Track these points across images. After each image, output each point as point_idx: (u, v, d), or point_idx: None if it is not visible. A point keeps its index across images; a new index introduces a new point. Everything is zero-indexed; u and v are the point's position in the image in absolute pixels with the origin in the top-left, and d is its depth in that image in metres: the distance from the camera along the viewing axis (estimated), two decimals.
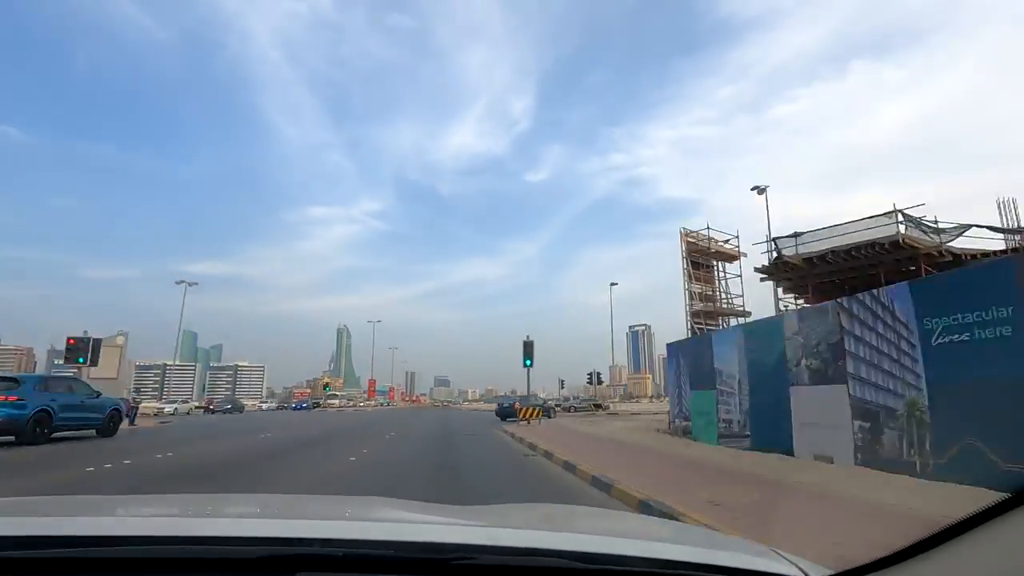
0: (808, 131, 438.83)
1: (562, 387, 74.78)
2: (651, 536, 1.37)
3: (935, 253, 13.82)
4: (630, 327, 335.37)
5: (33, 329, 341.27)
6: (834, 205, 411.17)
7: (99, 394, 14.52)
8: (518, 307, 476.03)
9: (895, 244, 13.47)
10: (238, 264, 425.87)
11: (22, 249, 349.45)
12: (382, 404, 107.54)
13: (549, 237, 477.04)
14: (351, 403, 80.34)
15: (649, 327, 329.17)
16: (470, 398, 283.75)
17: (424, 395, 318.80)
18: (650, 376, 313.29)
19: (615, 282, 46.91)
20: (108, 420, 14.49)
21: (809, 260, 15.43)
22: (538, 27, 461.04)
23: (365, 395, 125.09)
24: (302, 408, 57.84)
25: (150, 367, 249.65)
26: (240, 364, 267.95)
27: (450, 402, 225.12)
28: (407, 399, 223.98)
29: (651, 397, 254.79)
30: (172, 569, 0.88)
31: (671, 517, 4.60)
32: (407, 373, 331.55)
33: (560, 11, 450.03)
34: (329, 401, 67.94)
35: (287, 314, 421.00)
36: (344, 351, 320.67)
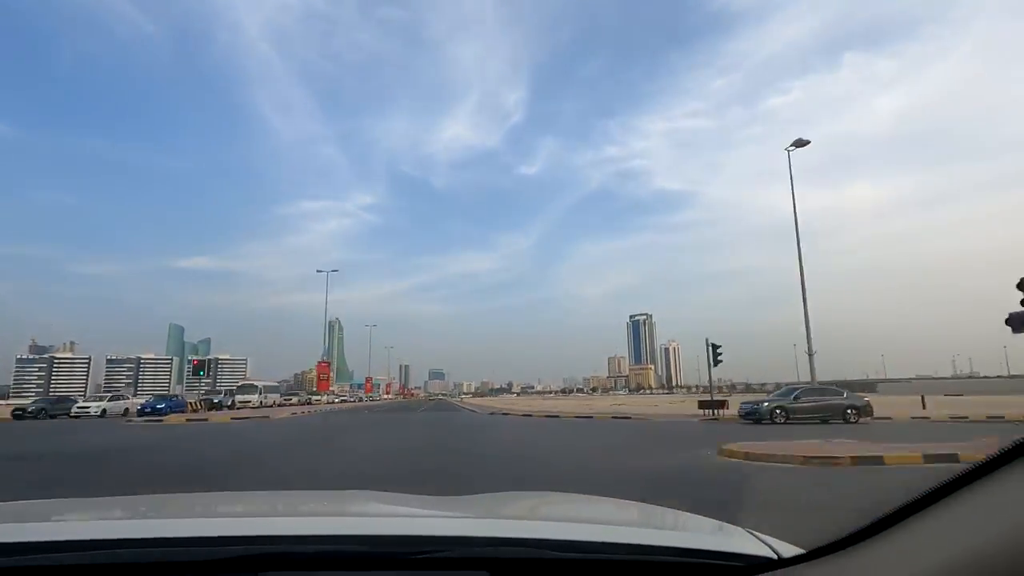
0: (800, 122, 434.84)
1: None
2: (625, 521, 1.36)
3: None
4: (631, 317, 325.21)
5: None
6: (826, 197, 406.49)
7: None
8: (512, 300, 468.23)
9: None
10: (228, 259, 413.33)
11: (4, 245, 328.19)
12: (361, 399, 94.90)
13: (543, 230, 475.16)
14: (305, 400, 61.47)
15: (650, 317, 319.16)
16: (465, 391, 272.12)
17: (419, 388, 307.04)
18: (652, 367, 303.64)
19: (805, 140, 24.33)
20: None
21: None
22: (532, 18, 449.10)
23: (359, 388, 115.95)
24: (157, 411, 29.23)
25: (122, 361, 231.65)
26: (220, 357, 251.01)
27: (446, 396, 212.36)
28: (404, 392, 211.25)
29: (658, 388, 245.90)
30: (128, 574, 0.84)
31: None
32: (401, 366, 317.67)
33: (553, 2, 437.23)
34: (242, 397, 42.43)
35: (279, 308, 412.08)
36: (336, 344, 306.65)
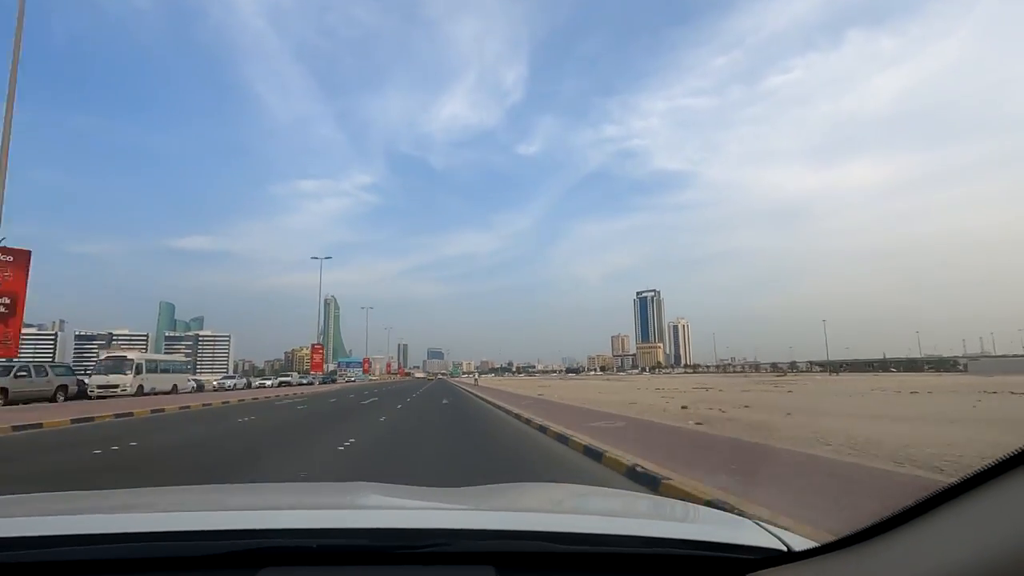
0: (801, 101, 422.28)
1: None
2: (632, 513, 1.34)
3: None
4: (638, 293, 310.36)
5: None
6: (826, 177, 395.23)
7: None
8: (512, 280, 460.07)
9: None
10: (225, 239, 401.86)
11: None
12: (350, 380, 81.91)
13: (542, 210, 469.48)
14: (277, 383, 49.22)
15: (659, 293, 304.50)
16: (465, 370, 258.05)
17: (417, 367, 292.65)
18: (661, 346, 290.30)
19: None
20: None
21: None
22: None
23: (348, 367, 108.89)
24: None
25: (92, 337, 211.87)
26: (201, 333, 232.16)
27: (445, 375, 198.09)
28: (401, 372, 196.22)
29: (679, 369, 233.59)
30: (119, 570, 0.81)
31: None
32: (399, 345, 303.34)
33: None
34: (102, 380, 25.04)
35: (276, 288, 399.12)
36: (332, 323, 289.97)
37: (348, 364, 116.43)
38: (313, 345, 49.74)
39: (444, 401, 20.34)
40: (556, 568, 0.84)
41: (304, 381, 59.59)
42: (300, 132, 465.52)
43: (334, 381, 62.21)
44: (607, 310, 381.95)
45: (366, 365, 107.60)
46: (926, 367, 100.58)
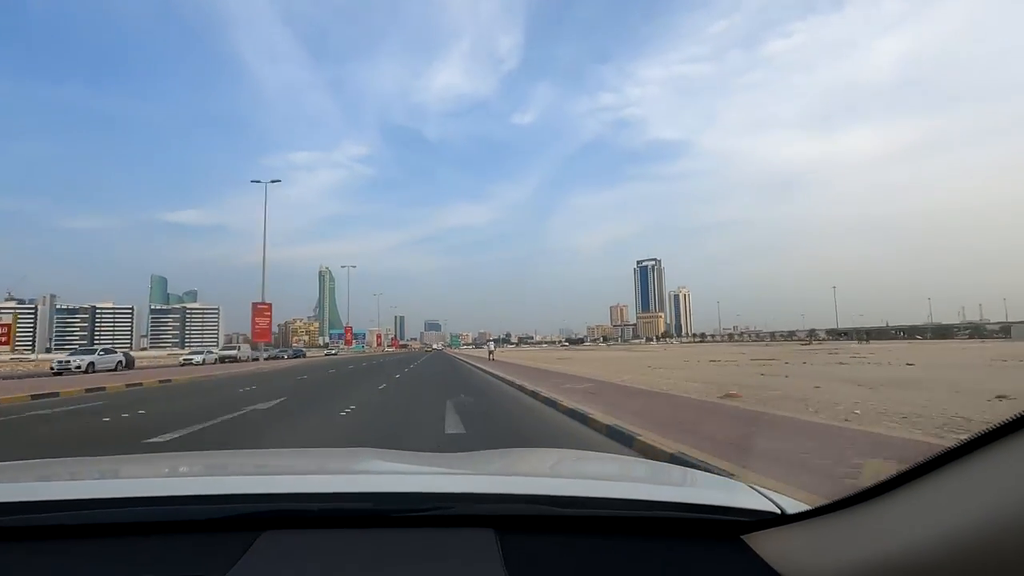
0: (801, 68, 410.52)
1: None
2: (629, 477, 1.36)
3: None
4: (638, 262, 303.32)
5: None
6: (824, 145, 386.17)
7: None
8: (509, 251, 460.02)
9: None
10: (218, 212, 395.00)
11: None
12: (332, 353, 76.40)
13: (538, 181, 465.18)
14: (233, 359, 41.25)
15: (659, 262, 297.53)
16: (465, 342, 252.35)
17: (415, 339, 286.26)
18: (662, 315, 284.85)
19: None
20: None
21: None
22: None
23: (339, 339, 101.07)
24: None
25: (75, 311, 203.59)
26: (189, 306, 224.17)
27: (445, 345, 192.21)
28: (396, 343, 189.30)
29: (688, 338, 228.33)
30: (118, 532, 0.82)
31: None
32: (396, 317, 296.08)
33: None
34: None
35: (272, 261, 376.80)
36: (327, 295, 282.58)
37: (341, 337, 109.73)
38: (255, 304, 37.32)
39: (450, 400, 10.03)
40: (554, 531, 0.85)
41: (274, 354, 52.41)
42: (291, 102, 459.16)
43: (303, 355, 52.49)
44: (604, 280, 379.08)
45: (348, 335, 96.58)
46: (958, 333, 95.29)
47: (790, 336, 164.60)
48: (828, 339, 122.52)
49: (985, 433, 0.56)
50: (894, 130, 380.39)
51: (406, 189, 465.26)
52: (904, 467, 0.65)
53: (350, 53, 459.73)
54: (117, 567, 0.77)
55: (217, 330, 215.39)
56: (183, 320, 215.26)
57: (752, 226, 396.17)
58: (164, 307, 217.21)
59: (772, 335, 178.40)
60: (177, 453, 1.61)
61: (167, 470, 1.34)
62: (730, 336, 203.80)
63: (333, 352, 78.99)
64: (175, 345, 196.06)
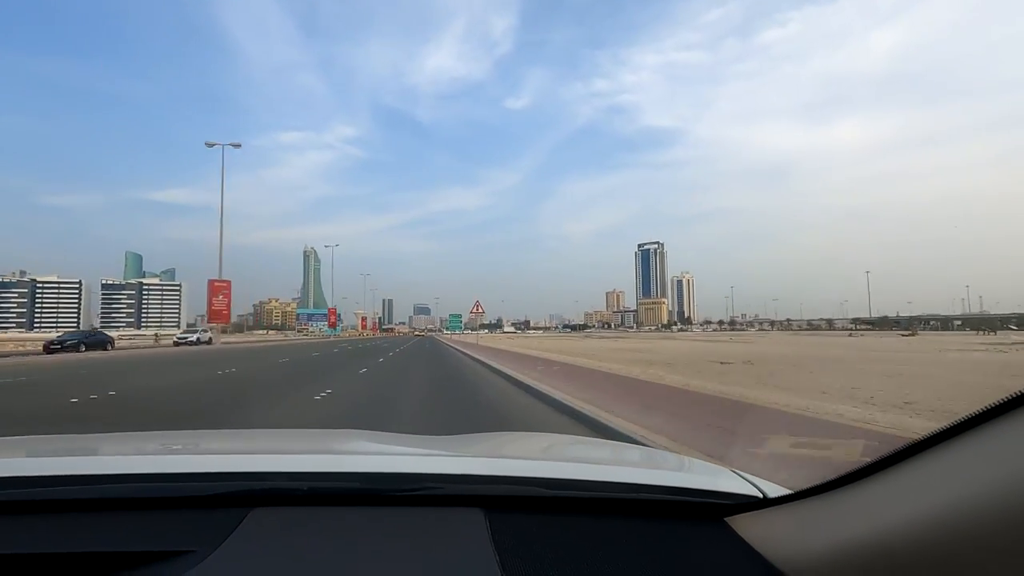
0: (795, 57, 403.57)
1: None
2: (616, 460, 1.39)
3: None
4: (639, 246, 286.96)
5: None
6: (817, 136, 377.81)
7: None
8: (501, 237, 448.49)
9: None
10: (203, 192, 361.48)
11: None
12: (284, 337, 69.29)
13: (530, 166, 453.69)
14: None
15: (662, 245, 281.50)
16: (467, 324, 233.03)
17: (403, 323, 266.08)
18: (665, 301, 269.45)
19: None
20: None
21: None
22: None
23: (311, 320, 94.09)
24: None
25: (8, 285, 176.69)
26: (145, 281, 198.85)
27: (434, 329, 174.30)
28: (375, 329, 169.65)
29: (703, 326, 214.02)
30: (110, 508, 0.83)
31: None
32: (384, 300, 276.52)
33: None
34: None
35: (259, 244, 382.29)
36: (312, 275, 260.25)
37: (312, 318, 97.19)
38: (212, 282, 33.98)
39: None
40: (540, 511, 0.86)
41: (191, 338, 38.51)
42: (280, 81, 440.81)
43: (106, 343, 30.91)
44: (595, 267, 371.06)
45: (332, 316, 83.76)
46: (1003, 325, 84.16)
47: (809, 324, 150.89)
48: (850, 328, 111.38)
49: (964, 420, 0.57)
50: (883, 123, 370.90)
51: (396, 172, 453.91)
52: (884, 453, 0.66)
53: (341, 32, 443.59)
54: (110, 540, 0.77)
55: (179, 309, 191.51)
56: (139, 297, 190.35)
57: (746, 215, 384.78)
58: (117, 282, 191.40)
59: (788, 324, 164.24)
60: (169, 431, 1.67)
61: (159, 447, 1.35)
62: (734, 324, 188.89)
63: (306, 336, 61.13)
64: (129, 325, 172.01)
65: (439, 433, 1.67)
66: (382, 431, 1.61)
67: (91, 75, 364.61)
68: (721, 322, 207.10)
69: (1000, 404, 0.54)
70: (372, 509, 0.85)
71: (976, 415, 0.56)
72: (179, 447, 1.34)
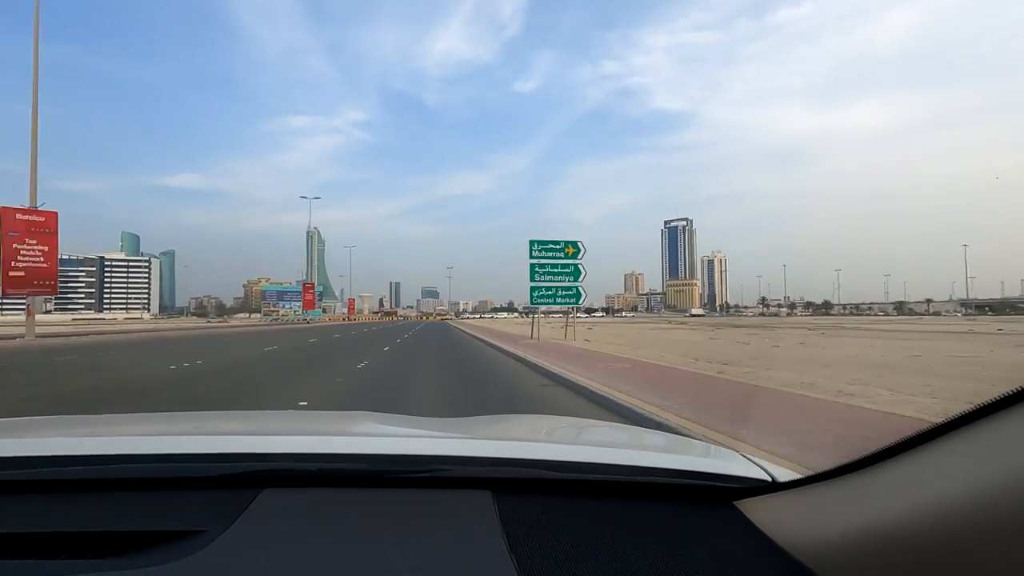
0: (809, 37, 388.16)
1: None
2: (623, 443, 1.38)
3: None
4: (666, 223, 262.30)
5: None
6: (830, 117, 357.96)
7: None
8: (510, 220, 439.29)
9: None
10: (213, 177, 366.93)
11: None
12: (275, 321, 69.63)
13: (539, 150, 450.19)
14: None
15: (691, 222, 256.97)
16: (464, 311, 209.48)
17: (411, 307, 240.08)
18: (696, 283, 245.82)
19: None
20: None
21: None
22: None
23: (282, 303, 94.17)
24: None
25: None
26: (108, 257, 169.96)
27: (444, 313, 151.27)
28: (381, 313, 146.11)
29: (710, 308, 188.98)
30: (123, 488, 0.84)
31: None
32: (391, 283, 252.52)
33: None
34: None
35: (267, 228, 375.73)
36: (317, 258, 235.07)
37: (284, 296, 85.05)
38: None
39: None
40: (548, 493, 0.86)
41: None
42: (290, 65, 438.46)
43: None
44: (613, 249, 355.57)
45: (352, 308, 69.08)
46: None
47: (855, 308, 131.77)
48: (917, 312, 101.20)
49: (978, 408, 0.56)
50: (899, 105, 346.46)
51: (405, 156, 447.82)
52: (895, 440, 0.65)
53: (349, 14, 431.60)
54: (122, 519, 0.78)
55: (147, 289, 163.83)
56: (99, 274, 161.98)
57: (760, 197, 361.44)
58: (75, 257, 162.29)
59: (828, 308, 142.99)
60: (179, 413, 1.77)
61: (170, 428, 1.36)
62: (790, 306, 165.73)
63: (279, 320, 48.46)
64: (88, 308, 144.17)
65: None
66: (392, 413, 1.64)
67: (97, 58, 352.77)
68: (779, 304, 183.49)
69: (1013, 393, 0.53)
70: (381, 491, 0.86)
71: (995, 401, 0.54)
72: (191, 428, 1.35)
